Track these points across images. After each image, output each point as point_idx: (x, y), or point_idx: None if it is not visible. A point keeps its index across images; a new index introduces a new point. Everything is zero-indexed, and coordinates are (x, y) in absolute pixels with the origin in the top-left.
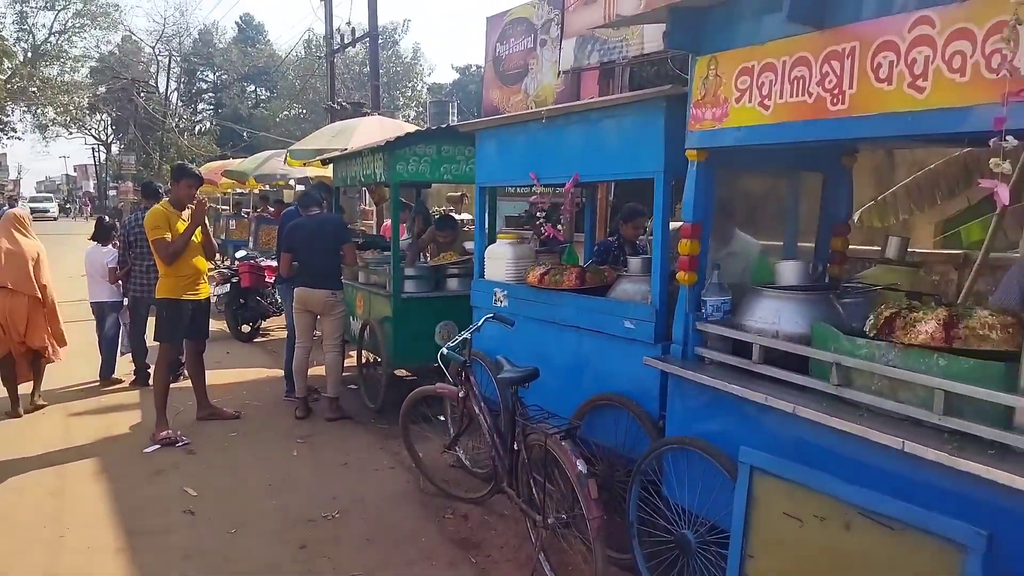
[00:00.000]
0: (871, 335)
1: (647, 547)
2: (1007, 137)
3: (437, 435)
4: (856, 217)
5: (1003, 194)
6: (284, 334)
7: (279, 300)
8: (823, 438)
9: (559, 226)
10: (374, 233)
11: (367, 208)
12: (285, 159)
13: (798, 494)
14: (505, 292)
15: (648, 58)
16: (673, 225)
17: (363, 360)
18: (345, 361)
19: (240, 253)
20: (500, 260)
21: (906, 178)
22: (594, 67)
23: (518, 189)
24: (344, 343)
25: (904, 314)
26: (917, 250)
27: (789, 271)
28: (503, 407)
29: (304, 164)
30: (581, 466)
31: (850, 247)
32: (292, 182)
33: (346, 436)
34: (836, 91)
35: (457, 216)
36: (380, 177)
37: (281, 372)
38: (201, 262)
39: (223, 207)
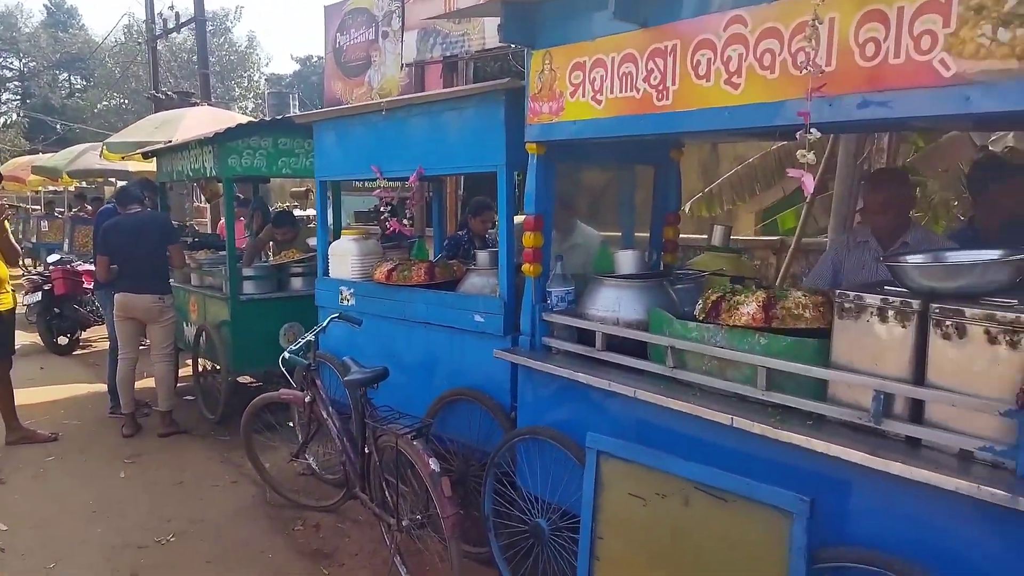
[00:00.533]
0: (700, 318)
1: (503, 539)
2: (811, 130)
3: (284, 443)
4: (686, 208)
5: (808, 183)
6: (107, 345)
7: (99, 308)
8: (663, 419)
9: (405, 221)
10: (209, 232)
11: (201, 205)
12: (101, 152)
13: (641, 474)
14: (352, 290)
15: (491, 53)
16: (518, 219)
17: (200, 368)
18: (180, 371)
19: (53, 257)
20: (345, 257)
21: (729, 171)
22: (437, 61)
23: (366, 183)
24: (177, 351)
25: (728, 298)
26: (740, 237)
27: (627, 260)
28: (353, 410)
29: (123, 158)
30: (434, 464)
31: (681, 236)
32: (114, 179)
33: (182, 452)
34: (661, 87)
35: (302, 212)
36: (210, 171)
37: (104, 387)
38: (1, 269)
39: (33, 207)
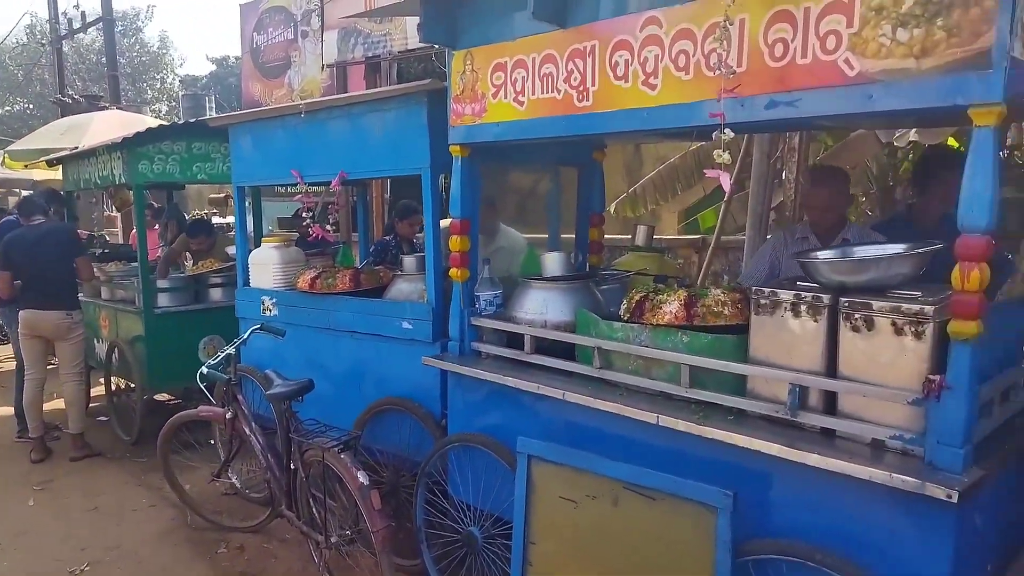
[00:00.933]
0: (625, 318)
1: (436, 550)
2: (725, 130)
3: (205, 463)
4: (611, 208)
5: (725, 182)
6: (12, 365)
7: (3, 326)
8: (593, 420)
9: (328, 226)
10: (120, 242)
11: (111, 215)
12: (3, 161)
13: (571, 477)
14: (274, 300)
15: (414, 54)
16: (444, 222)
17: (113, 387)
18: (91, 390)
19: None
20: (266, 266)
21: (652, 172)
22: (359, 61)
23: (288, 188)
24: (88, 370)
25: (651, 297)
26: (664, 236)
27: (553, 262)
28: (277, 424)
29: (26, 166)
30: (362, 477)
31: (607, 236)
32: (18, 189)
33: (96, 476)
34: (581, 88)
35: (221, 219)
36: (119, 179)
37: (11, 410)
38: None
39: None
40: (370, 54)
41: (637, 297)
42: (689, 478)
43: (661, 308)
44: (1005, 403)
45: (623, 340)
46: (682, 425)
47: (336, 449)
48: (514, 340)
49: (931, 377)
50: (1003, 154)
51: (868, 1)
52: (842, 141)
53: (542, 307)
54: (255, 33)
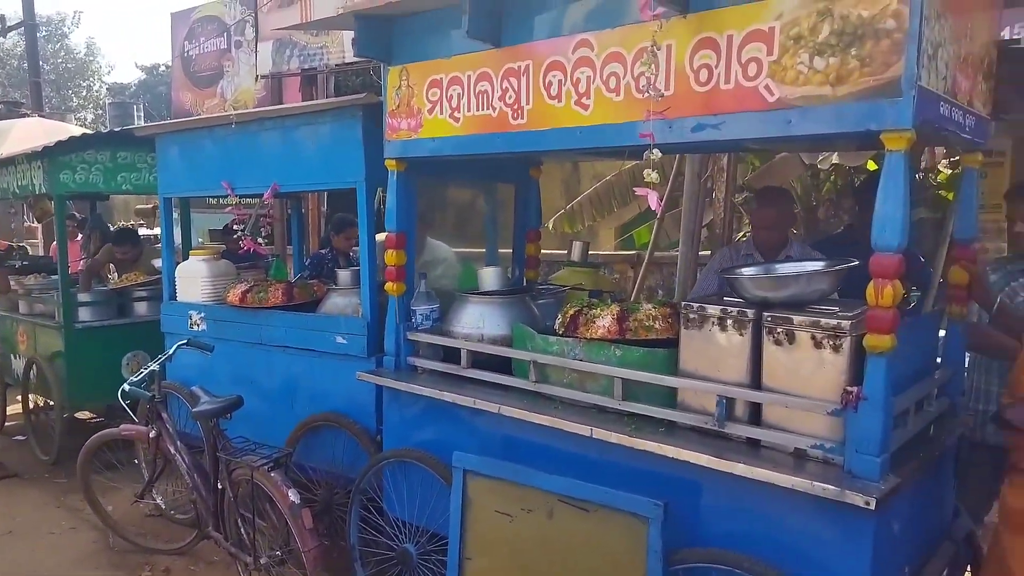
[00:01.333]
0: (560, 333)
1: (370, 568)
2: (654, 150)
3: (128, 483)
4: (550, 224)
5: (653, 200)
6: None
7: None
8: (529, 433)
9: (261, 239)
10: (41, 254)
11: (32, 225)
12: None
13: (507, 490)
14: (202, 314)
15: (352, 67)
16: (381, 236)
17: (31, 405)
18: (8, 408)
19: None
20: (195, 279)
21: (589, 188)
22: (294, 73)
23: (220, 200)
24: (4, 387)
25: (585, 312)
26: (601, 252)
27: (490, 277)
28: (205, 443)
29: None
30: (293, 496)
31: (546, 251)
32: None
33: (12, 498)
34: (516, 106)
35: (148, 231)
36: (39, 188)
37: None
38: None
39: None
40: (306, 66)
41: (571, 312)
42: (624, 489)
43: (594, 322)
44: (920, 413)
45: (558, 354)
46: (615, 437)
47: (266, 467)
48: (451, 354)
49: (848, 389)
50: (919, 176)
51: (787, 30)
52: (768, 162)
53: (479, 321)
54: (186, 42)
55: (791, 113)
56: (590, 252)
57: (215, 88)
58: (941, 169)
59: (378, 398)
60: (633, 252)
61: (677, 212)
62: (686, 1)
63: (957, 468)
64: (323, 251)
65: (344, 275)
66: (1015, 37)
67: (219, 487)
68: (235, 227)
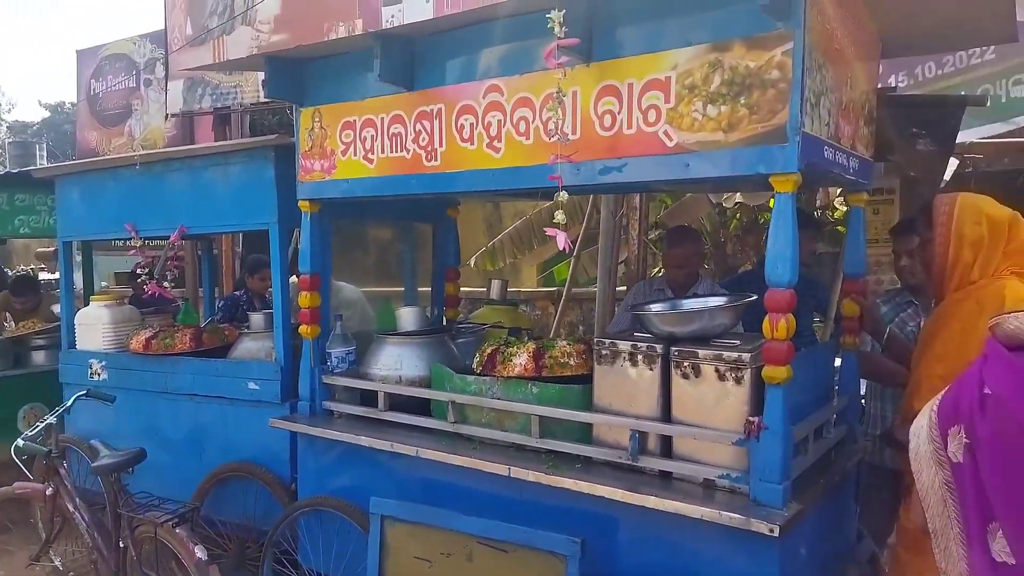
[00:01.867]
0: (477, 372)
1: None
2: (561, 192)
3: (24, 544)
4: (471, 262)
5: (561, 240)
6: None
7: None
8: (448, 475)
9: (166, 283)
10: None
11: None
12: None
13: (426, 535)
14: (103, 363)
15: (268, 105)
16: (295, 278)
17: None
18: None
19: None
20: (95, 326)
21: (511, 226)
22: (206, 112)
23: (127, 242)
24: None
25: (502, 350)
26: (524, 289)
27: (408, 317)
28: (106, 499)
29: None
30: (200, 552)
31: (468, 289)
32: None
33: None
34: (429, 148)
35: (50, 275)
36: None
37: None
38: None
39: None
40: (219, 105)
41: (489, 350)
42: (545, 526)
43: (511, 361)
44: (819, 440)
45: (476, 393)
46: (531, 475)
47: (170, 523)
48: (368, 397)
49: (750, 419)
50: (817, 214)
51: (682, 80)
52: (679, 201)
53: (396, 362)
54: (93, 79)
55: (689, 157)
56: (513, 289)
57: (123, 127)
58: (837, 206)
59: (293, 445)
60: (554, 288)
61: (595, 249)
62: (589, 51)
63: (859, 492)
64: (237, 293)
65: (257, 318)
66: (899, 84)
67: (121, 546)
68: (139, 271)
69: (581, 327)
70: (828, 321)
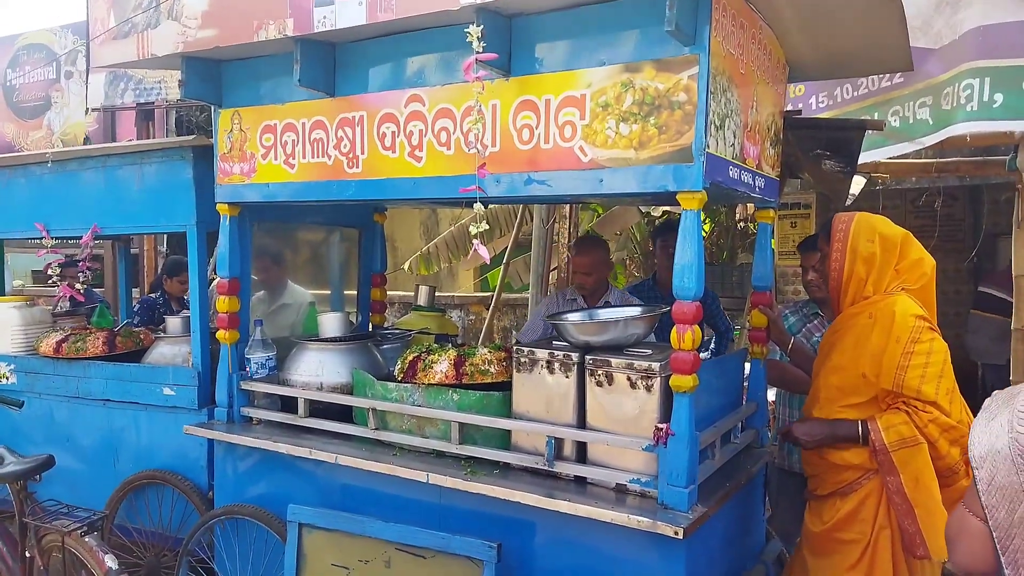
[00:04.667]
0: (399, 378)
1: None
2: (477, 204)
3: None
4: (407, 266)
5: (482, 251)
6: None
7: None
8: (368, 482)
9: (79, 284)
10: None
11: None
12: None
13: (343, 542)
14: (11, 366)
15: (196, 102)
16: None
17: None
18: None
19: None
20: (3, 328)
21: (446, 231)
22: (129, 107)
23: (43, 239)
24: None
25: (424, 357)
26: (457, 295)
27: (331, 322)
28: (14, 508)
29: None
30: (110, 562)
31: (402, 294)
32: None
33: None
34: (351, 155)
35: None
36: None
37: None
38: None
39: None
40: (142, 100)
41: (411, 357)
42: (464, 533)
43: (432, 368)
44: (727, 445)
45: (397, 400)
46: (449, 482)
47: (79, 532)
48: (289, 404)
49: (659, 425)
50: (740, 225)
51: (596, 98)
52: (610, 210)
53: (318, 369)
54: (9, 69)
55: (602, 172)
56: (447, 294)
57: (42, 119)
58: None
59: (210, 452)
60: (489, 294)
61: (529, 255)
62: (508, 65)
63: (768, 494)
64: (153, 296)
65: (174, 322)
66: (820, 105)
67: (27, 555)
68: (49, 271)
69: (515, 332)
70: (743, 329)
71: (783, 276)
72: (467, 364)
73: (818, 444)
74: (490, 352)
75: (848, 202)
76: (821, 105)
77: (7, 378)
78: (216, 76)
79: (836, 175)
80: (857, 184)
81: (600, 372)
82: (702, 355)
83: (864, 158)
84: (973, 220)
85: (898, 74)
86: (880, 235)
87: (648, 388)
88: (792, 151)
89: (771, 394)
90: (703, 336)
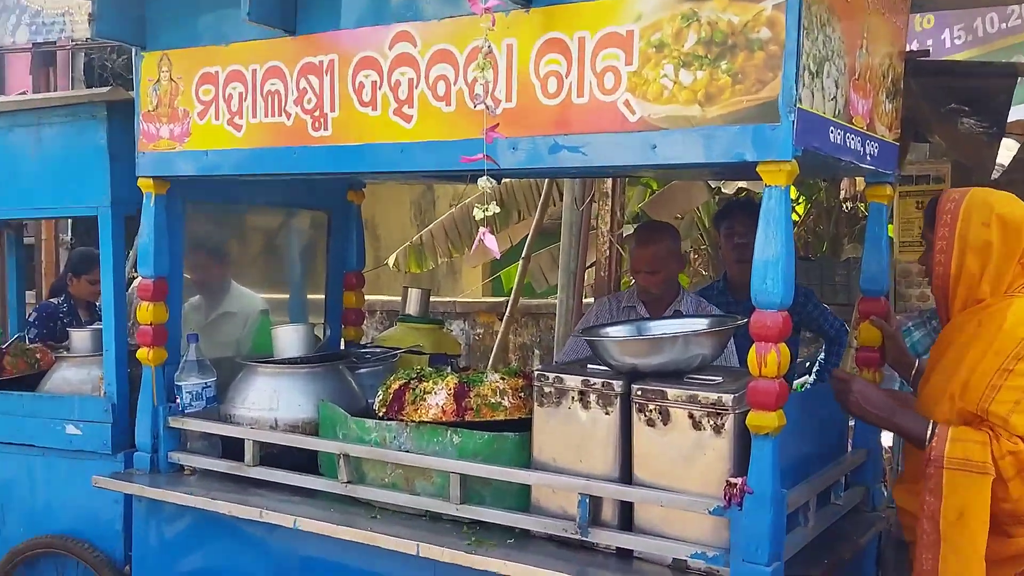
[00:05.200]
0: (381, 414)
1: None
2: (484, 178)
3: None
4: (391, 261)
5: (491, 243)
6: None
7: None
8: (338, 553)
9: None
10: None
11: None
12: None
13: None
14: None
15: (111, 43)
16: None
17: None
18: None
19: None
20: None
21: (446, 213)
22: (22, 48)
23: None
24: None
25: (414, 385)
26: (462, 299)
27: (290, 338)
28: None
29: None
30: None
31: (386, 299)
32: None
33: None
34: (317, 113)
35: None
36: None
37: None
38: None
39: None
40: (40, 39)
41: (396, 385)
42: None
43: (425, 399)
44: (824, 507)
45: (378, 443)
46: (447, 555)
47: None
48: (233, 447)
49: (731, 480)
50: (846, 207)
51: (648, 35)
52: (668, 185)
53: (271, 400)
54: None
55: (656, 136)
56: (447, 299)
57: None
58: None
59: (127, 512)
60: (503, 300)
61: (556, 247)
62: None
63: (883, 574)
64: (55, 301)
65: (81, 336)
66: (955, 42)
67: None
68: None
69: (537, 351)
70: (848, 349)
71: (905, 275)
72: (472, 395)
73: (867, 418)
74: (503, 379)
75: (995, 175)
76: (957, 42)
77: None
78: (138, 7)
79: (978, 137)
80: (1007, 150)
81: (652, 407)
82: (799, 381)
83: (1016, 114)
84: None
85: None
86: (999, 217)
87: (717, 429)
88: (918, 106)
89: (886, 438)
90: (794, 356)
